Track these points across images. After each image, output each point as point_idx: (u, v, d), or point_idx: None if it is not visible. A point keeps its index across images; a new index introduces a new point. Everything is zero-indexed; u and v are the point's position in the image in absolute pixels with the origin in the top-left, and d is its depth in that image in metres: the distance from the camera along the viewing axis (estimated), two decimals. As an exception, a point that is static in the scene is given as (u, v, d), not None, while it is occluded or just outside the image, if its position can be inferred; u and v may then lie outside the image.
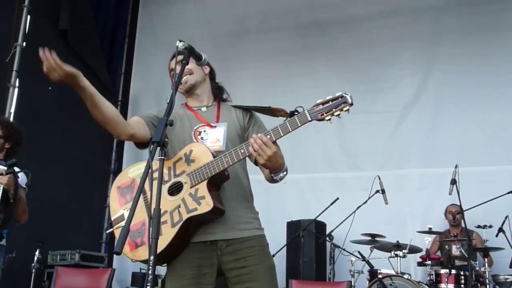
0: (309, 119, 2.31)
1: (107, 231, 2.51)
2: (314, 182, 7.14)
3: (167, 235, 2.34)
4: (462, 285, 5.39)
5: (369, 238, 5.81)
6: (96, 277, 4.50)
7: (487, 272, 5.41)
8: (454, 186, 5.24)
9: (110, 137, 8.20)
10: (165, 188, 2.41)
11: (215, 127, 2.63)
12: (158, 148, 2.09)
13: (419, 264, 5.94)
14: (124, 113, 8.43)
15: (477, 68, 6.80)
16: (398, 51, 7.25)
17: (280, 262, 6.19)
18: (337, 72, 7.44)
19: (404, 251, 5.57)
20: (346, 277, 5.49)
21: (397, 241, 5.64)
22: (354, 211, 5.35)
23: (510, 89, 6.62)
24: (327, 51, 7.61)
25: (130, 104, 8.49)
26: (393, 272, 5.46)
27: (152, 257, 1.96)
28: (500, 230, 5.49)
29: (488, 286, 5.35)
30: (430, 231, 5.86)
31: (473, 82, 6.79)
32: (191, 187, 2.40)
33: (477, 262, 5.63)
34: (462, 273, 5.43)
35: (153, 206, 2.02)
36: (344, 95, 2.36)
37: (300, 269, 5.97)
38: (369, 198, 5.51)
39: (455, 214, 6.08)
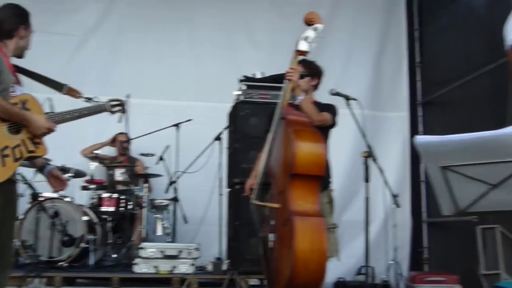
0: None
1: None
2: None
3: (11, 168, 2.73)
4: (122, 208, 5.73)
5: (34, 161, 5.61)
6: None
7: (146, 196, 5.84)
8: (124, 115, 5.44)
9: None
10: (5, 125, 2.73)
11: (19, 86, 2.98)
12: None
13: (83, 188, 6.05)
14: None
15: (159, 4, 7.05)
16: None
17: None
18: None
19: (69, 174, 5.59)
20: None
21: (63, 165, 5.61)
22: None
23: (185, 27, 7.06)
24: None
25: None
26: (55, 195, 5.45)
27: None
28: (161, 158, 5.96)
29: (145, 209, 5.79)
30: (96, 156, 6.00)
31: (153, 17, 7.01)
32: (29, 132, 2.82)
33: (138, 187, 6.02)
34: (123, 197, 5.76)
35: None
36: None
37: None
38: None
39: (124, 143, 6.35)
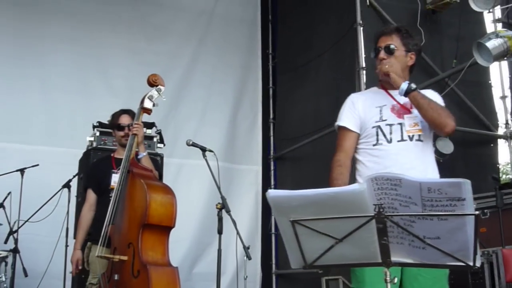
0: None
1: None
2: None
3: None
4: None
5: None
6: None
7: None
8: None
9: None
10: None
11: None
12: None
13: None
14: None
15: (8, 42, 6.65)
16: None
17: None
18: None
19: None
20: None
21: None
22: None
23: (37, 66, 6.70)
24: None
25: None
26: None
27: None
28: (1, 205, 5.49)
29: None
30: None
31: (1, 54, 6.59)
32: None
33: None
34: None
35: None
36: None
37: None
38: None
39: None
